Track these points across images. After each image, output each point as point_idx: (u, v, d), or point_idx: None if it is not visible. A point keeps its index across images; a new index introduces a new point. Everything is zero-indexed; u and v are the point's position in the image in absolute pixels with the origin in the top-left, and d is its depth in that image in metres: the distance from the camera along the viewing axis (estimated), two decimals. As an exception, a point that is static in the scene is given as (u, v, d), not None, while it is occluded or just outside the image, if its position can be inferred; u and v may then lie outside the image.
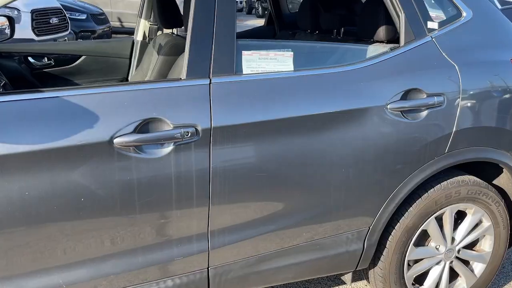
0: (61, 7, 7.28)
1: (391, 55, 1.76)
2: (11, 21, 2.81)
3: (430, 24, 1.86)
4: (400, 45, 1.80)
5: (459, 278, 2.14)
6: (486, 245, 2.12)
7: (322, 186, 1.66)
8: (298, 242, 1.71)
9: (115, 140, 1.34)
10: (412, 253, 1.95)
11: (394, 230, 1.88)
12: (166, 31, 2.73)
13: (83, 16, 8.98)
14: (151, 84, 1.46)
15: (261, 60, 1.59)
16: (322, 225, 1.72)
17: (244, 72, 1.56)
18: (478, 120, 1.85)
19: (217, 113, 1.46)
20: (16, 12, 6.27)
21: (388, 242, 1.90)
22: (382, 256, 1.92)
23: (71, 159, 1.31)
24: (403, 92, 1.71)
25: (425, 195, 1.88)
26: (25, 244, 1.32)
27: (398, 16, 1.80)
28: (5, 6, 2.33)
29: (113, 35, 10.09)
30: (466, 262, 2.13)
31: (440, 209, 1.93)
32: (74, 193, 1.33)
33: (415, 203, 1.88)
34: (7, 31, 2.82)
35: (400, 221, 1.88)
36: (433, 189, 1.89)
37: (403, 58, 1.76)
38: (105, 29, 9.49)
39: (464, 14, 1.92)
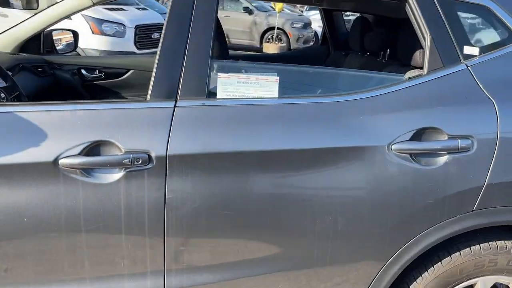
0: (165, 23, 7.77)
1: (405, 85, 1.45)
2: (76, 35, 3.00)
3: (468, 50, 1.51)
4: (422, 74, 1.48)
5: None
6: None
7: (300, 234, 1.41)
8: (272, 293, 1.48)
9: (60, 161, 1.28)
10: (427, 329, 1.58)
11: (403, 297, 1.55)
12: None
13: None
14: (111, 104, 1.37)
15: (240, 84, 1.41)
16: (303, 281, 1.47)
17: (218, 97, 1.40)
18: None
19: (176, 139, 1.32)
20: (122, 28, 6.83)
21: (395, 310, 1.56)
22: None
23: (14, 177, 1.27)
24: (414, 131, 1.40)
25: (446, 259, 1.52)
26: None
27: (424, 39, 1.49)
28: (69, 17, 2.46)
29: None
30: None
31: (467, 280, 1.54)
32: (17, 211, 1.29)
33: (432, 268, 1.52)
34: (70, 44, 3.00)
35: (414, 284, 1.54)
36: (458, 253, 1.52)
37: (421, 90, 1.45)
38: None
39: (520, 37, 1.53)
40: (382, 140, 1.39)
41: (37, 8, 2.34)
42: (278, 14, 12.23)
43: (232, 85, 1.41)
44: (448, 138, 1.40)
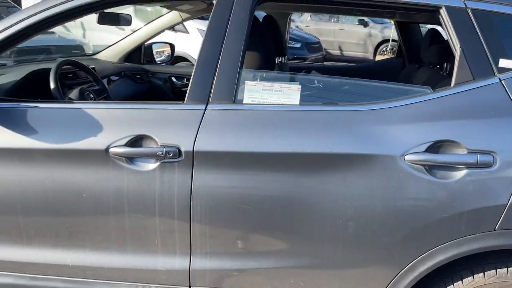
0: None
1: (427, 97, 1.45)
2: (172, 47, 3.40)
3: (505, 63, 1.45)
4: (451, 86, 1.47)
5: None
6: None
7: (311, 234, 1.50)
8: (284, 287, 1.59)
9: (110, 150, 1.55)
10: None
11: (421, 312, 1.53)
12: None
13: (298, 45, 9.77)
14: (154, 105, 1.62)
15: (264, 92, 1.55)
16: (313, 280, 1.55)
17: (244, 102, 1.56)
18: (555, 195, 1.34)
19: (203, 138, 1.51)
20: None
21: (411, 325, 1.55)
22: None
23: (76, 160, 1.58)
24: (431, 143, 1.39)
25: (468, 278, 1.47)
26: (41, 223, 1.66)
27: (455, 51, 1.48)
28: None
29: (325, 62, 10.61)
30: None
31: (491, 304, 1.46)
32: (78, 188, 1.60)
33: (451, 286, 1.48)
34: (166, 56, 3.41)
35: (431, 302, 1.52)
36: (482, 273, 1.46)
37: (443, 103, 1.43)
38: (318, 57, 10.13)
39: None
40: (396, 150, 1.41)
41: (130, 25, 2.73)
42: (393, 25, 11.88)
43: (258, 92, 1.56)
44: (468, 152, 1.37)
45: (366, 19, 13.31)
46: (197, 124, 1.53)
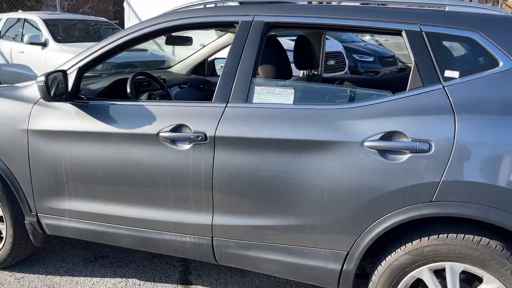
0: (341, 51, 8.55)
1: (387, 98, 1.91)
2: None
3: (449, 73, 1.86)
4: (406, 91, 1.91)
5: None
6: (513, 329, 1.81)
7: (299, 200, 2.01)
8: (281, 243, 2.10)
9: (160, 134, 2.20)
10: (402, 297, 1.94)
11: (380, 266, 1.96)
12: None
13: (370, 59, 10.03)
14: (192, 103, 2.25)
15: (268, 94, 2.11)
16: (300, 235, 2.04)
17: (253, 101, 2.13)
18: (476, 174, 1.72)
19: (222, 127, 2.10)
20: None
21: (373, 276, 1.98)
22: (368, 285, 2.01)
23: (137, 141, 2.25)
24: (384, 133, 1.85)
25: (416, 240, 1.88)
26: (108, 187, 2.35)
27: (412, 64, 1.92)
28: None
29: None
30: None
31: (434, 262, 1.85)
32: (138, 161, 2.27)
33: (404, 245, 1.90)
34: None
35: (387, 259, 1.94)
36: (428, 237, 1.86)
37: (398, 103, 1.88)
38: (393, 70, 10.30)
39: (501, 64, 1.80)
40: (358, 138, 1.88)
41: (191, 45, 3.43)
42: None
43: (263, 94, 2.12)
44: (411, 140, 1.81)
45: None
46: (219, 117, 2.12)
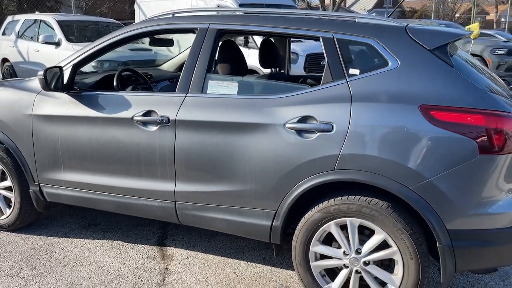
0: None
1: (306, 90, 2.44)
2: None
3: (352, 71, 2.38)
4: (320, 85, 2.43)
5: (373, 293, 2.41)
6: (399, 270, 2.32)
7: (239, 170, 2.54)
8: (226, 205, 2.64)
9: (134, 118, 2.76)
10: (316, 246, 2.46)
11: (300, 222, 2.49)
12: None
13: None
14: (158, 93, 2.80)
15: (219, 87, 2.65)
16: (241, 198, 2.58)
17: (208, 92, 2.67)
18: (365, 148, 2.24)
19: (181, 112, 2.65)
20: (295, 56, 8.41)
21: (297, 230, 2.51)
22: (293, 240, 2.53)
23: (114, 124, 2.81)
24: (300, 117, 2.38)
25: (325, 202, 2.40)
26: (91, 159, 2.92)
27: (325, 64, 2.44)
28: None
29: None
30: (383, 283, 2.39)
31: (338, 218, 2.37)
32: (117, 140, 2.83)
33: (317, 205, 2.42)
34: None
35: (305, 216, 2.47)
36: (334, 199, 2.38)
37: (312, 94, 2.41)
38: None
39: (390, 63, 2.31)
40: (281, 120, 2.41)
41: (172, 45, 3.97)
42: (473, 41, 11.95)
43: (215, 87, 2.66)
44: (319, 122, 2.33)
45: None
46: (179, 104, 2.67)
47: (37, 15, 9.60)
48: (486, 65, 12.82)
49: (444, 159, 2.15)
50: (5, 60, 9.92)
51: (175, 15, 2.98)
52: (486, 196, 2.17)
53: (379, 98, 2.28)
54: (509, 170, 2.19)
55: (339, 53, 2.42)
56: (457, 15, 44.75)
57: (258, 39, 7.95)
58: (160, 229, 3.56)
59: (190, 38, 2.87)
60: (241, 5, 8.96)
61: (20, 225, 3.44)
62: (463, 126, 2.14)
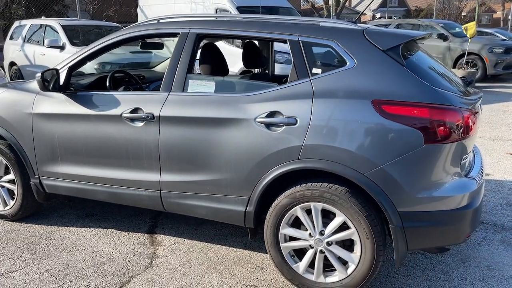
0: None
1: (274, 88, 2.70)
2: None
3: (315, 70, 2.64)
4: (286, 83, 2.69)
5: (336, 271, 2.66)
6: (357, 249, 2.57)
7: (215, 161, 2.81)
8: (206, 193, 2.91)
9: (122, 115, 3.04)
10: (285, 229, 2.72)
11: (271, 207, 2.75)
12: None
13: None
14: (146, 92, 3.08)
15: (198, 85, 2.93)
16: (218, 186, 2.85)
17: (188, 90, 2.94)
18: (325, 139, 2.49)
19: (165, 109, 2.92)
20: (289, 56, 8.65)
21: (268, 214, 2.77)
22: (264, 224, 2.79)
23: (104, 121, 3.09)
24: (268, 112, 2.64)
25: (292, 188, 2.66)
26: (86, 153, 3.20)
27: (292, 64, 2.70)
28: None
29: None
30: (344, 261, 2.64)
31: (303, 202, 2.63)
32: (108, 135, 3.11)
33: (285, 192, 2.68)
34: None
35: (275, 202, 2.73)
36: (299, 185, 2.64)
37: (280, 91, 2.67)
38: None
39: (348, 63, 2.57)
40: (252, 115, 2.67)
41: (162, 49, 4.25)
42: (470, 39, 12.11)
43: (195, 86, 2.93)
44: (285, 117, 2.59)
45: (445, 33, 13.63)
46: (163, 102, 2.95)
47: (43, 20, 9.96)
48: (484, 63, 13.00)
49: (394, 148, 2.40)
50: (12, 63, 10.30)
51: (160, 21, 3.25)
52: (432, 181, 2.42)
53: (337, 94, 2.53)
54: (452, 157, 2.44)
55: (304, 54, 2.67)
56: (463, 13, 44.62)
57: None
58: (151, 219, 3.84)
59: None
60: (238, 8, 9.25)
61: (23, 215, 3.74)
62: (410, 118, 2.38)
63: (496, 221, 3.77)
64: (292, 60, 2.70)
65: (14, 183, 3.64)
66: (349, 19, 2.92)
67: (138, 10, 11.79)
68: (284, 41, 2.78)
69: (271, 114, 2.64)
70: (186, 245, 3.38)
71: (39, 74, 3.14)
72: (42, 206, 3.93)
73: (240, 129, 2.71)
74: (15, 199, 3.67)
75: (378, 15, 40.56)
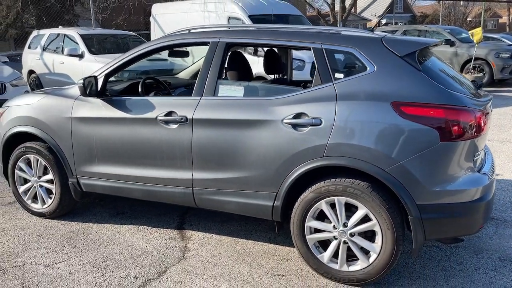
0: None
1: (300, 92, 2.94)
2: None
3: (338, 75, 2.88)
4: (311, 87, 2.93)
5: (358, 260, 2.88)
6: (378, 239, 2.79)
7: (244, 159, 3.05)
8: (236, 189, 3.14)
9: (158, 118, 3.29)
10: (310, 222, 2.95)
11: (297, 202, 2.98)
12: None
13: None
14: (180, 96, 3.33)
15: (228, 90, 3.18)
16: (247, 183, 3.08)
17: (219, 95, 3.19)
18: (348, 138, 2.72)
19: (197, 112, 3.17)
20: (302, 63, 8.92)
21: (294, 208, 3.00)
22: (291, 217, 3.02)
23: (139, 123, 3.34)
24: (295, 114, 2.88)
25: (318, 183, 2.89)
26: (123, 153, 3.45)
27: (316, 69, 2.95)
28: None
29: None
30: (366, 251, 2.86)
31: (328, 197, 2.85)
32: (144, 137, 3.36)
33: (311, 187, 2.91)
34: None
35: (301, 197, 2.96)
36: (324, 181, 2.87)
37: (305, 95, 2.91)
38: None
39: (368, 68, 2.80)
40: (280, 117, 2.91)
41: (188, 57, 4.51)
42: (476, 45, 12.32)
43: (225, 90, 3.18)
44: (310, 118, 2.83)
45: (452, 38, 13.84)
46: (195, 105, 3.20)
47: (61, 30, 10.30)
48: (491, 68, 13.18)
49: (412, 145, 2.62)
50: (31, 71, 10.63)
51: (191, 31, 3.51)
52: (447, 175, 2.64)
53: (359, 97, 2.76)
54: (466, 154, 2.66)
55: (327, 60, 2.92)
56: (469, 18, 44.79)
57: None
58: (179, 217, 4.08)
59: (203, 49, 3.39)
60: (250, 16, 9.54)
61: (60, 214, 3.99)
62: (427, 118, 2.61)
63: (506, 218, 3.98)
64: (316, 66, 2.94)
65: (52, 183, 3.89)
66: (355, 26, 3.15)
67: (151, 19, 12.10)
68: (308, 49, 3.02)
69: (298, 115, 2.88)
70: (214, 239, 3.61)
71: (81, 81, 3.40)
72: (77, 205, 4.17)
73: (269, 130, 2.95)
74: (53, 198, 3.93)
75: (383, 21, 40.83)
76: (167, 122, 3.27)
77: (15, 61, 12.25)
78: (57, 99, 3.78)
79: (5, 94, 7.82)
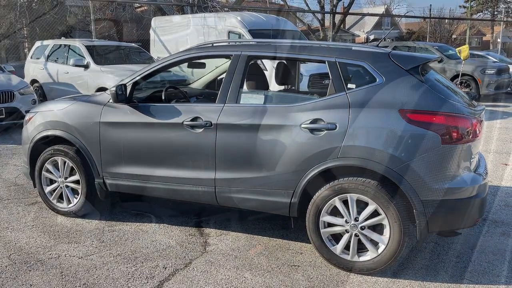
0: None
1: (316, 100, 3.29)
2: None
3: (350, 85, 3.24)
4: (326, 96, 3.29)
5: (368, 251, 3.21)
6: (386, 232, 3.12)
7: (264, 160, 3.37)
8: (256, 187, 3.46)
9: (184, 123, 3.61)
10: (325, 217, 3.28)
11: (313, 198, 3.31)
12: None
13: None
14: (204, 103, 3.65)
15: (249, 98, 3.51)
16: (267, 182, 3.40)
17: (241, 102, 3.52)
18: (360, 141, 3.07)
19: (221, 117, 3.50)
20: (300, 76, 9.32)
21: (310, 204, 3.32)
22: (307, 213, 3.35)
23: (167, 128, 3.66)
24: (312, 119, 3.22)
25: (332, 182, 3.22)
26: (151, 155, 3.75)
27: (330, 80, 3.30)
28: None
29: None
30: (375, 242, 3.19)
31: (341, 194, 3.19)
32: (169, 141, 3.67)
33: (326, 185, 3.25)
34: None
35: (317, 193, 3.29)
36: (337, 180, 3.21)
37: (321, 103, 3.26)
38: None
39: (377, 80, 3.17)
40: (298, 122, 3.26)
41: (205, 68, 4.86)
42: (463, 61, 12.89)
43: (246, 98, 3.52)
44: (326, 123, 3.18)
45: (440, 55, 14.42)
46: (219, 111, 3.53)
47: (66, 41, 10.59)
48: (477, 84, 13.77)
49: (416, 148, 2.98)
50: (34, 81, 10.86)
51: (214, 44, 3.86)
52: (448, 174, 3.00)
53: (370, 105, 3.12)
54: (464, 156, 3.03)
55: (340, 72, 3.28)
56: (454, 36, 46.04)
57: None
58: (195, 216, 4.37)
59: (214, 62, 3.71)
60: (250, 31, 9.94)
61: (84, 212, 4.26)
62: (430, 124, 2.98)
63: (496, 218, 4.35)
64: (330, 77, 3.29)
65: (78, 183, 4.16)
66: (344, 41, 3.54)
67: (151, 31, 12.45)
68: (323, 62, 3.38)
69: (314, 121, 3.22)
70: (231, 236, 3.91)
71: (113, 88, 3.71)
72: (100, 205, 4.44)
73: (288, 134, 3.29)
74: (78, 198, 4.20)
75: (372, 37, 41.79)
76: (193, 127, 3.59)
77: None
78: (86, 105, 4.07)
79: (14, 102, 8.06)
